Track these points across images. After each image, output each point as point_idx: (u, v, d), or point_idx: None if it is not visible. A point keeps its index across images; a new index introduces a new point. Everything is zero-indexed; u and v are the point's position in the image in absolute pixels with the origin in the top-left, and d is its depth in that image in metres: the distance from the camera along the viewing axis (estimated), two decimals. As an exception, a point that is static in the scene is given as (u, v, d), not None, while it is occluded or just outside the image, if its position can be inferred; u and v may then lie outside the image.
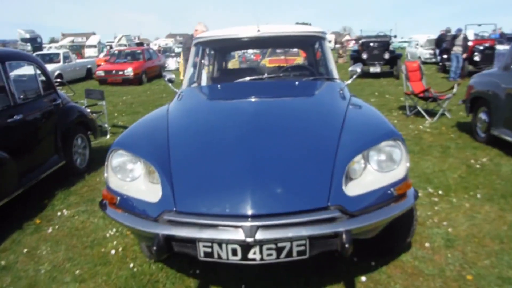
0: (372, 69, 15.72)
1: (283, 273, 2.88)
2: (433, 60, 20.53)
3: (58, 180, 5.01)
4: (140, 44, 29.51)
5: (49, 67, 15.62)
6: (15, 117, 4.20)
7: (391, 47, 16.38)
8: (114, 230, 3.71)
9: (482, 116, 6.09)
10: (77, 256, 3.34)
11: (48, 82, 5.16)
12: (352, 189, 2.37)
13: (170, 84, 4.19)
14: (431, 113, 8.14)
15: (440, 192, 4.28)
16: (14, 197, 4.01)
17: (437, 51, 17.86)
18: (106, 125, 7.70)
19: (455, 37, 14.41)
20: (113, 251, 3.35)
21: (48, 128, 4.87)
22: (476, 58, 14.85)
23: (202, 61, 4.64)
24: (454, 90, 7.73)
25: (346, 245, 2.16)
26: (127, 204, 2.51)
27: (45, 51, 23.56)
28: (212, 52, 5.29)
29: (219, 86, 4.20)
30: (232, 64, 8.43)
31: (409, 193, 2.57)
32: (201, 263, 2.96)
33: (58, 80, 9.91)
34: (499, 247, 3.17)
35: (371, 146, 2.53)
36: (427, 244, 3.23)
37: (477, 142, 6.14)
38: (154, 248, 2.26)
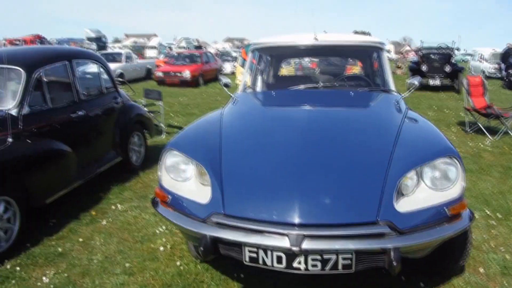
0: (431, 82, 15.20)
1: (328, 286, 2.84)
2: (498, 75, 19.55)
3: (114, 175, 5.23)
4: (199, 47, 30.22)
5: (112, 66, 16.24)
6: (78, 112, 4.44)
7: (453, 60, 15.78)
8: (164, 227, 3.82)
9: (550, 137, 5.73)
10: (127, 249, 3.48)
11: (110, 81, 5.40)
12: (403, 205, 2.32)
13: (225, 89, 4.27)
14: (493, 131, 7.76)
15: (498, 215, 4.06)
16: (73, 189, 4.24)
17: (503, 66, 16.97)
18: (162, 125, 7.94)
19: None
20: (161, 248, 3.45)
21: (107, 125, 5.10)
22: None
23: (258, 67, 4.69)
24: (520, 108, 7.33)
25: (394, 263, 2.12)
26: (178, 203, 2.59)
27: (109, 51, 24.69)
28: (269, 58, 5.33)
29: (273, 92, 4.22)
30: (288, 71, 8.38)
31: (464, 214, 2.47)
32: (246, 268, 2.97)
33: (120, 79, 10.33)
34: (561, 279, 2.97)
35: (425, 162, 2.46)
36: (481, 270, 3.08)
37: (543, 164, 5.78)
38: (201, 248, 2.32)
